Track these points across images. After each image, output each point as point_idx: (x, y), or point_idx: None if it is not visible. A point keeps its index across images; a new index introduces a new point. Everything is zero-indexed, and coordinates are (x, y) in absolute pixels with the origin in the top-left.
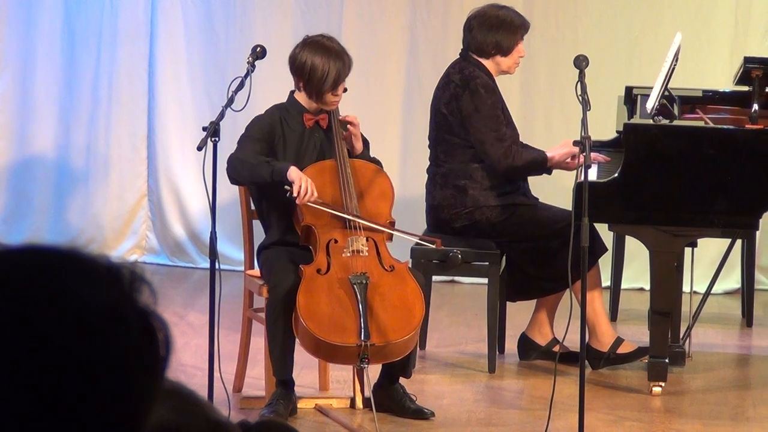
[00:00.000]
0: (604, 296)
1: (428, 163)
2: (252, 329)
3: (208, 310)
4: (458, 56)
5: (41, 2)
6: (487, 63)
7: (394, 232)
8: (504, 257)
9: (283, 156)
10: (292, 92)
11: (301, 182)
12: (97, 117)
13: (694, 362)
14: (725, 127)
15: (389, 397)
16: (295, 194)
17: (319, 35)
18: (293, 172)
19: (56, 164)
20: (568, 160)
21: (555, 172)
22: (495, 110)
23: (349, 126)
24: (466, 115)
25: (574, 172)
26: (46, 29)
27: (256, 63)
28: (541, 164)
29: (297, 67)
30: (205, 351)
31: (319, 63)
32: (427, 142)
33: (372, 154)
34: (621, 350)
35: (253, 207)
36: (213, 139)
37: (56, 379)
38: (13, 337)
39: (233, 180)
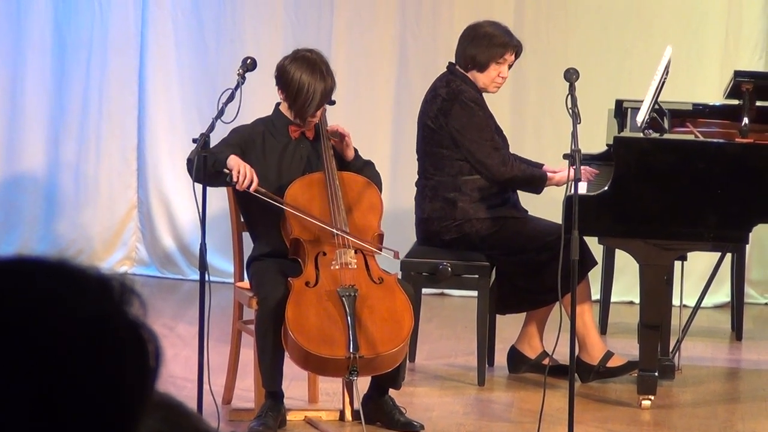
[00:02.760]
0: (594, 309)
1: (417, 175)
2: (241, 341)
3: (197, 321)
4: (446, 69)
5: (31, 14)
6: (471, 77)
7: (362, 244)
8: (494, 270)
9: (265, 168)
10: (278, 104)
11: (239, 167)
12: (87, 129)
13: (683, 376)
14: (715, 140)
15: (379, 410)
16: (234, 180)
17: (307, 51)
18: (232, 160)
19: (46, 175)
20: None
21: None
22: (487, 121)
23: (338, 138)
24: (458, 129)
25: (565, 185)
26: (35, 41)
27: (247, 75)
28: (539, 181)
29: (284, 81)
30: (195, 363)
31: (306, 84)
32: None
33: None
34: (611, 364)
35: (243, 219)
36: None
37: (45, 389)
38: (2, 348)
39: (192, 178)
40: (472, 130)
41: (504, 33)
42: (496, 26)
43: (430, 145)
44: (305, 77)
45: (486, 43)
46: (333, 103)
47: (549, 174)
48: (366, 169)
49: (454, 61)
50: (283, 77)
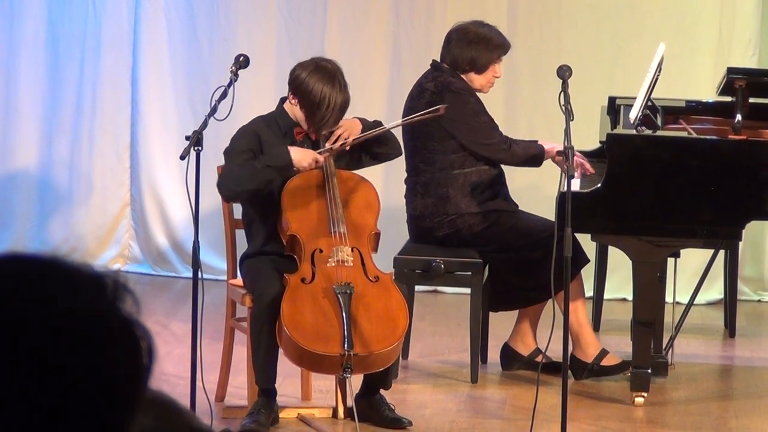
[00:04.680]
0: (587, 306)
1: (406, 173)
2: (234, 338)
3: (190, 319)
4: (429, 67)
5: (24, 11)
6: (467, 78)
7: None
8: (487, 267)
9: None
10: (282, 101)
11: (305, 161)
12: (81, 126)
13: (676, 373)
14: (708, 137)
15: (370, 407)
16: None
17: (326, 61)
18: (294, 154)
19: (39, 173)
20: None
21: (538, 180)
22: (480, 106)
23: (330, 142)
24: (453, 118)
25: (558, 181)
26: (29, 38)
27: (240, 72)
28: (539, 155)
29: (302, 92)
30: (188, 360)
31: (326, 97)
32: None
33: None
34: (605, 362)
35: (236, 216)
36: (196, 148)
37: (38, 387)
38: None
39: (230, 197)
40: (467, 116)
41: (497, 34)
42: (487, 27)
43: (420, 140)
44: (326, 90)
45: (485, 45)
46: None
47: (546, 147)
48: (381, 137)
49: (436, 61)
50: (301, 87)
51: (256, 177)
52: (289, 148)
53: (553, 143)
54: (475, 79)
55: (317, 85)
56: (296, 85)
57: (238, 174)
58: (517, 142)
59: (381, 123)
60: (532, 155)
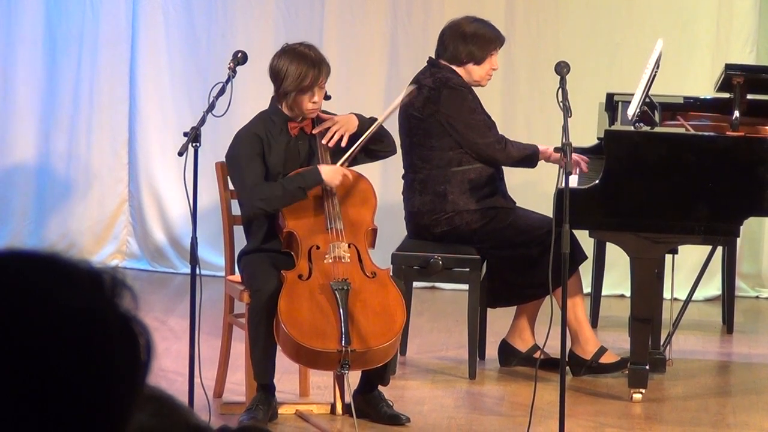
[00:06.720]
0: (585, 303)
1: (404, 169)
2: (233, 334)
3: (188, 315)
4: (426, 64)
5: (22, 8)
6: (460, 71)
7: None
8: (485, 264)
9: (269, 165)
10: (274, 98)
11: (336, 179)
12: (78, 122)
13: (674, 369)
14: (706, 134)
15: (368, 403)
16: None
17: (297, 43)
18: (325, 174)
19: (37, 169)
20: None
21: (536, 178)
22: (477, 104)
23: (326, 138)
24: (451, 114)
25: (555, 178)
26: (27, 35)
27: (237, 68)
28: (533, 156)
29: (274, 73)
30: (186, 356)
31: (294, 69)
32: None
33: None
34: (603, 360)
35: (234, 212)
36: (194, 144)
37: (35, 383)
38: None
39: (257, 215)
40: (464, 112)
41: (490, 27)
42: (479, 21)
43: (417, 137)
44: (293, 66)
45: (480, 39)
46: (329, 97)
47: (541, 148)
48: (377, 135)
49: (433, 57)
50: (273, 70)
51: (287, 198)
52: (318, 167)
53: (547, 147)
54: (474, 71)
55: (285, 63)
56: (270, 71)
57: (268, 195)
58: (513, 143)
59: (376, 120)
60: (526, 155)
